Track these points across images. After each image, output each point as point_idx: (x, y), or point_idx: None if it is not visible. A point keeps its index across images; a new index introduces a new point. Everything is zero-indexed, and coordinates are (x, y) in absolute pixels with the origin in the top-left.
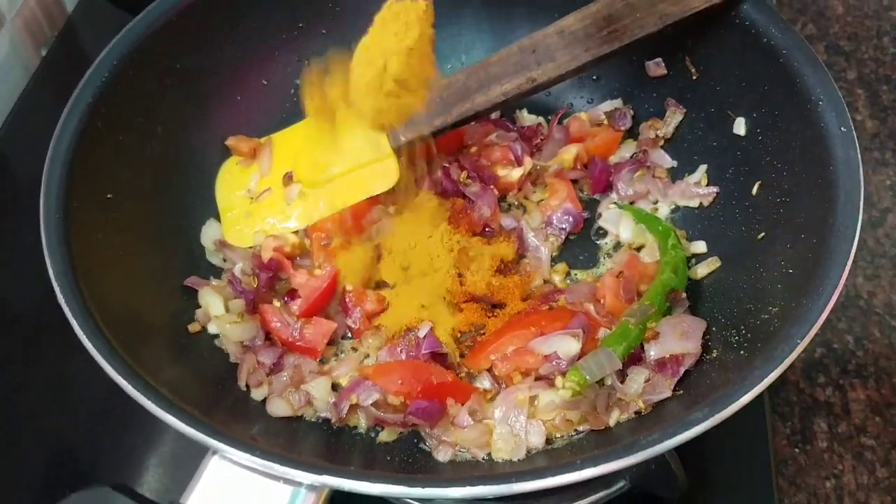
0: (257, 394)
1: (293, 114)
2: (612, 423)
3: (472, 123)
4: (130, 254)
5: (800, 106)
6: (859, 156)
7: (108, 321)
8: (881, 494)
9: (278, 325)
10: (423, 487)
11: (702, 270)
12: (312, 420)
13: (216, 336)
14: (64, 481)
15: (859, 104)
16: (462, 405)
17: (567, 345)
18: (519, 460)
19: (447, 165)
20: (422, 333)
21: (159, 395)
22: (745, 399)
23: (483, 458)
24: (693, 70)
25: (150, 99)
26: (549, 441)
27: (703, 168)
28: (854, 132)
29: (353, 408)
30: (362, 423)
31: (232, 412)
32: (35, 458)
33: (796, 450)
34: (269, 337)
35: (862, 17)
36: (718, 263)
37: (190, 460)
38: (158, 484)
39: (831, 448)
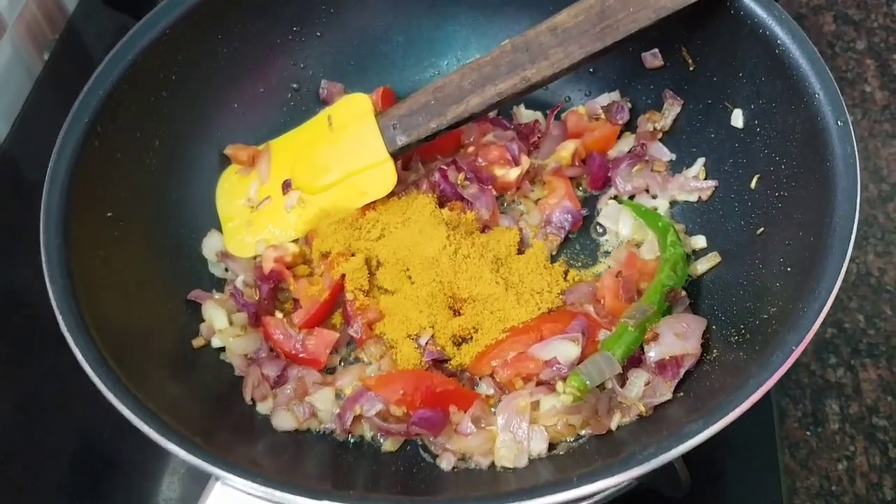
0: (263, 407)
1: (291, 119)
2: (613, 426)
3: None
4: (132, 270)
5: (797, 98)
6: (856, 151)
7: (110, 346)
8: (894, 475)
9: (280, 337)
10: None
11: (702, 266)
12: (318, 432)
13: (221, 349)
14: (89, 469)
15: (868, 75)
16: (465, 412)
17: (567, 349)
18: (522, 468)
19: (444, 168)
20: (423, 341)
21: (161, 423)
22: (742, 409)
23: (487, 467)
24: (690, 61)
25: (146, 114)
26: (552, 447)
27: (701, 161)
28: (851, 126)
29: (358, 418)
30: (367, 433)
31: (236, 429)
32: (62, 445)
33: (808, 432)
34: (273, 349)
35: None
36: (718, 259)
37: None
38: (176, 474)
39: (843, 429)
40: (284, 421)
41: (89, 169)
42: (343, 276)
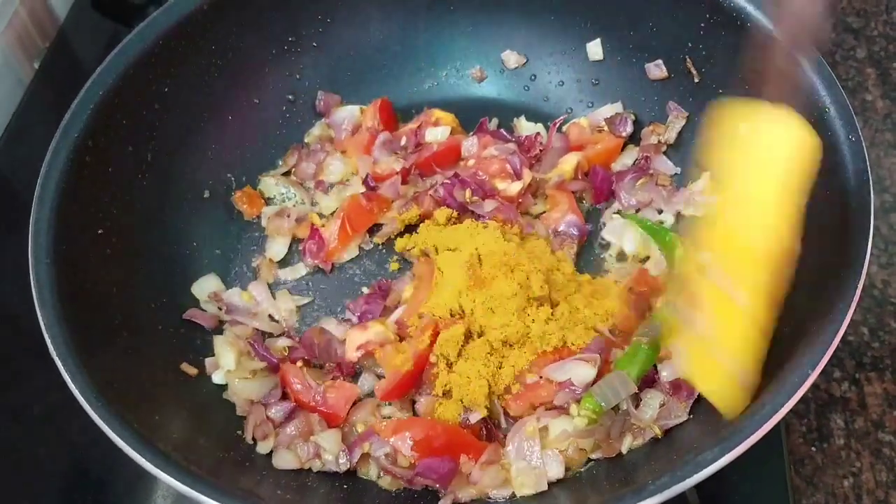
0: (263, 447)
1: (286, 131)
2: (624, 450)
3: (470, 135)
4: (125, 289)
5: (806, 113)
6: (869, 167)
7: (102, 370)
8: None
9: (299, 387)
10: None
11: None
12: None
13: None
14: (78, 489)
15: (869, 83)
16: (475, 462)
17: (582, 371)
18: (542, 493)
19: (448, 182)
20: (473, 419)
21: (156, 452)
22: (758, 435)
23: (508, 497)
24: (694, 72)
25: (139, 127)
26: (566, 469)
27: (707, 175)
28: (863, 141)
29: (365, 457)
30: (373, 472)
31: (240, 463)
32: (51, 465)
33: (813, 448)
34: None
35: None
36: None
37: None
38: (170, 497)
39: (848, 445)
40: (285, 461)
41: (80, 185)
42: (433, 342)
